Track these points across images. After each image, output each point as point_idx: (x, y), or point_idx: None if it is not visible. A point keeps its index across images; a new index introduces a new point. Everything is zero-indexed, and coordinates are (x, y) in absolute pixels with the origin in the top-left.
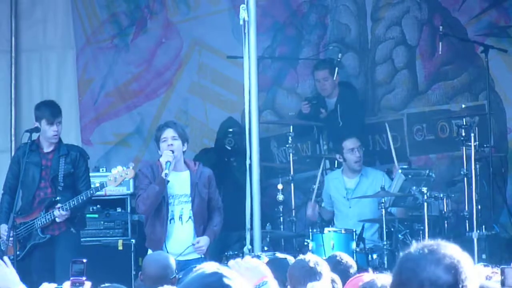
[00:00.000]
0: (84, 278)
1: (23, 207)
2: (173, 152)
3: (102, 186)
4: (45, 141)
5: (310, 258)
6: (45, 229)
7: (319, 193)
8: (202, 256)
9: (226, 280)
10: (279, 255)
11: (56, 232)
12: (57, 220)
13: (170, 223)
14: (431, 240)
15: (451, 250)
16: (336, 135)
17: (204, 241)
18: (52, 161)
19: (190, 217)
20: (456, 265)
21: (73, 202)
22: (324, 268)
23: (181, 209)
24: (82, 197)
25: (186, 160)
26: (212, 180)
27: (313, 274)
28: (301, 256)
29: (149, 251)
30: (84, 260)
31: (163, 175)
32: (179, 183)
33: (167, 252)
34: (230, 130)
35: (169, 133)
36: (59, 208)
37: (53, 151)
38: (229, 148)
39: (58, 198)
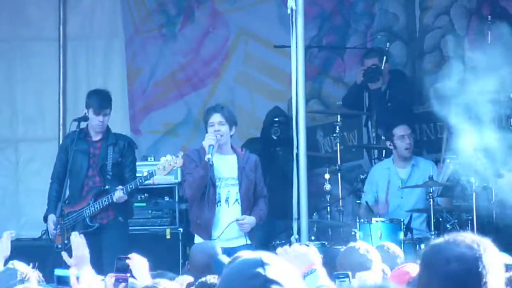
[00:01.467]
0: (128, 275)
1: (72, 196)
2: (221, 137)
3: (152, 174)
4: (93, 130)
5: (361, 245)
6: (93, 218)
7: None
8: (249, 243)
9: (270, 286)
10: None
11: (105, 221)
12: (116, 201)
13: (217, 206)
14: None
15: (472, 236)
16: (385, 121)
17: (249, 219)
18: (100, 150)
19: (236, 200)
20: (477, 242)
21: (131, 186)
22: (374, 256)
23: (228, 192)
24: (140, 180)
25: (233, 145)
26: (258, 166)
27: (363, 261)
28: (351, 244)
29: (196, 237)
30: (129, 257)
31: (206, 158)
32: (226, 166)
33: (213, 236)
34: (276, 119)
35: (216, 118)
36: (120, 189)
37: (101, 139)
38: (275, 137)
39: (107, 187)
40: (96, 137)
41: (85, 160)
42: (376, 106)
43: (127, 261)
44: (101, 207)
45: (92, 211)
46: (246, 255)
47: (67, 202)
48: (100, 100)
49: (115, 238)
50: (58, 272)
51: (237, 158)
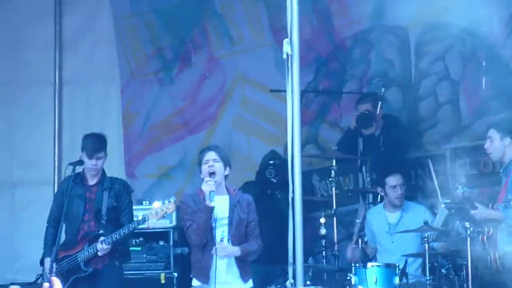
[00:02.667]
0: None
1: (67, 240)
2: (214, 174)
3: (144, 220)
4: (89, 173)
5: None
6: (88, 262)
7: (362, 228)
8: (246, 284)
9: None
10: None
11: (99, 266)
12: (99, 254)
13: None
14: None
15: None
16: (380, 166)
17: (231, 248)
18: (96, 194)
19: (228, 240)
20: None
21: (115, 236)
22: None
23: (222, 232)
24: (124, 231)
25: (226, 185)
26: (251, 206)
27: None
28: None
29: (193, 280)
30: None
31: (209, 204)
32: (219, 207)
33: (211, 279)
34: (272, 162)
35: (210, 155)
36: (102, 241)
37: (97, 184)
38: (272, 180)
39: (101, 231)
40: (92, 181)
41: (81, 204)
42: (370, 152)
43: None
44: (95, 251)
45: (86, 255)
46: None
47: (63, 246)
48: (93, 143)
49: (110, 283)
50: None
51: (229, 197)
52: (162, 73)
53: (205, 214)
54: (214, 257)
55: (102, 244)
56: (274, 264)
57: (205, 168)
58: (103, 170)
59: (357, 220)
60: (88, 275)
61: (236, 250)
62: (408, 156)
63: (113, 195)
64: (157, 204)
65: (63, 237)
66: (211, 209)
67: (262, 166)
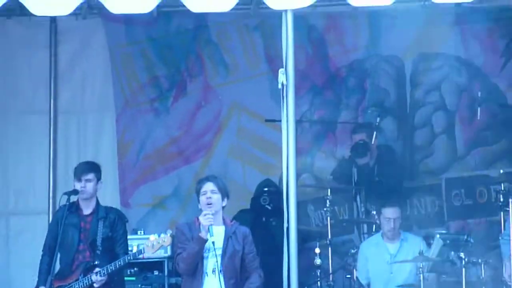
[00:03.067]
0: None
1: (62, 270)
2: (211, 204)
3: (140, 252)
4: (84, 203)
5: None
6: None
7: (355, 258)
8: None
9: None
10: None
11: None
12: (95, 285)
13: (204, 276)
14: None
15: None
16: (374, 196)
17: None
18: (91, 224)
19: (220, 271)
20: None
21: (111, 267)
22: None
23: (215, 262)
24: (119, 262)
25: (223, 216)
26: (247, 237)
27: None
28: None
29: None
30: None
31: (203, 236)
32: (214, 237)
33: None
34: (266, 189)
35: (208, 186)
36: (96, 273)
37: (92, 213)
38: (269, 208)
39: (96, 262)
40: (86, 211)
41: (76, 234)
42: (364, 181)
43: None
44: (90, 282)
45: (81, 286)
46: None
47: (57, 276)
48: (81, 166)
49: None
50: None
51: (225, 228)
52: (157, 102)
53: (198, 245)
54: (203, 286)
55: (97, 275)
56: None
57: (203, 199)
58: (97, 200)
59: (352, 251)
60: None
61: None
62: (403, 186)
63: (108, 225)
64: (153, 237)
65: (57, 266)
66: (205, 241)
67: (257, 193)
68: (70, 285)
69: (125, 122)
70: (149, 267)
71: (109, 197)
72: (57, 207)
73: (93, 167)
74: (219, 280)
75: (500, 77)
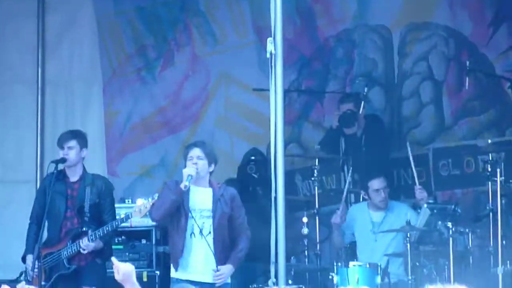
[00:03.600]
0: None
1: (50, 238)
2: (198, 168)
3: (127, 217)
4: (70, 170)
5: None
6: (71, 259)
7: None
8: (228, 281)
9: None
10: None
11: (82, 263)
12: (83, 251)
13: (190, 237)
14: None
15: None
16: (362, 166)
17: (226, 269)
18: (78, 191)
19: (210, 232)
20: None
21: (99, 233)
22: None
23: (202, 223)
24: (107, 228)
25: (210, 180)
26: (235, 199)
27: None
28: None
29: (171, 268)
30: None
31: (182, 186)
32: (201, 198)
33: (180, 266)
34: (252, 158)
35: (195, 152)
36: (85, 239)
37: (78, 180)
38: (256, 176)
39: (84, 228)
40: (73, 178)
41: (63, 201)
42: (352, 151)
43: None
44: (79, 248)
45: (70, 252)
46: None
47: (45, 243)
48: (63, 134)
49: (93, 280)
50: None
51: (212, 190)
52: (144, 72)
53: (175, 195)
54: (186, 246)
55: (86, 241)
56: (255, 261)
57: (189, 164)
58: (84, 167)
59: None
60: (71, 272)
61: (231, 268)
62: (390, 156)
63: (95, 192)
64: (140, 201)
65: (45, 235)
66: (182, 191)
67: (244, 162)
68: (59, 251)
69: (112, 92)
70: (137, 236)
71: (97, 166)
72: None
73: (75, 135)
74: (207, 242)
75: (488, 47)
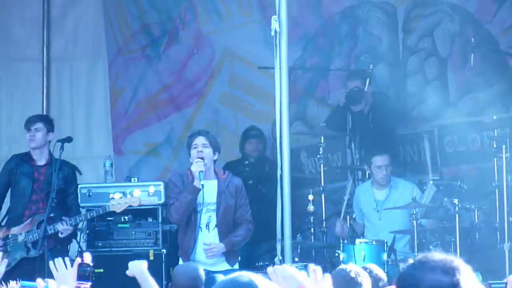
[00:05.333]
0: (89, 284)
1: (13, 218)
2: (203, 159)
3: (104, 209)
4: (36, 153)
5: (351, 268)
6: (35, 244)
7: (350, 204)
8: (233, 268)
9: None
10: None
11: (45, 249)
12: (61, 235)
13: (198, 231)
14: (443, 252)
15: (440, 255)
16: (368, 143)
17: (217, 247)
18: (45, 175)
19: (216, 226)
20: (451, 264)
21: (80, 218)
22: (365, 279)
23: (209, 217)
24: (86, 216)
25: (215, 169)
26: (240, 190)
27: (353, 284)
28: (342, 266)
29: (180, 260)
30: (91, 264)
31: (197, 184)
32: (207, 191)
33: (194, 260)
34: (252, 132)
35: (200, 140)
36: (64, 223)
37: (45, 165)
38: (252, 156)
39: (52, 214)
40: (40, 162)
41: (29, 184)
42: (359, 128)
43: None
44: (44, 234)
45: (35, 237)
46: (235, 276)
47: (7, 223)
48: (31, 117)
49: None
50: (25, 284)
51: (217, 182)
52: (149, 49)
53: (191, 194)
54: (197, 240)
55: (63, 224)
56: (258, 244)
57: (194, 152)
58: (50, 152)
59: (345, 197)
60: (34, 257)
61: (222, 247)
62: (396, 133)
63: (61, 177)
64: (117, 196)
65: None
66: (198, 190)
67: (242, 139)
68: (23, 234)
69: (117, 69)
70: (143, 214)
71: (102, 144)
72: (53, 155)
73: (42, 118)
74: (213, 235)
75: (492, 23)
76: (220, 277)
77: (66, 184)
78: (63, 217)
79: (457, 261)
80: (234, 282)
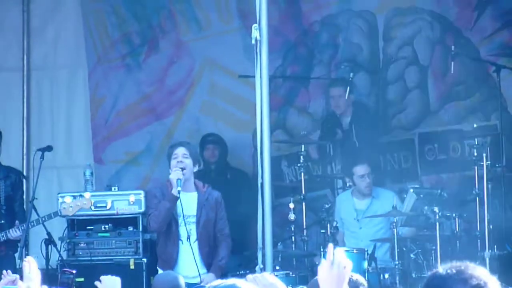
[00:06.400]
0: None
1: None
2: (182, 169)
3: (56, 214)
4: None
5: None
6: None
7: (331, 213)
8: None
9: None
10: None
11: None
12: (11, 238)
13: (179, 243)
14: (448, 260)
15: (478, 271)
16: (351, 155)
17: (209, 278)
18: None
19: (197, 239)
20: (483, 286)
21: (32, 224)
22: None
23: (189, 230)
24: (38, 221)
25: (195, 182)
26: (219, 204)
27: None
28: None
29: (160, 271)
30: (74, 272)
31: (174, 192)
32: (187, 204)
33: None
34: (210, 138)
35: (180, 150)
36: (15, 229)
37: None
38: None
39: (2, 221)
40: None
41: None
42: (342, 140)
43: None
44: (5, 238)
45: None
46: (220, 283)
47: None
48: None
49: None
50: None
51: (198, 194)
52: (129, 58)
53: (169, 202)
54: (179, 253)
55: (16, 230)
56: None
57: (173, 163)
58: None
59: (326, 206)
60: None
61: (213, 277)
62: (378, 142)
63: (9, 184)
64: (68, 199)
65: None
66: (176, 198)
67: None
68: None
69: (97, 78)
70: (124, 223)
71: (83, 153)
72: (31, 164)
73: None
74: (192, 249)
75: (473, 31)
76: None
77: (13, 191)
78: (16, 222)
79: (491, 284)
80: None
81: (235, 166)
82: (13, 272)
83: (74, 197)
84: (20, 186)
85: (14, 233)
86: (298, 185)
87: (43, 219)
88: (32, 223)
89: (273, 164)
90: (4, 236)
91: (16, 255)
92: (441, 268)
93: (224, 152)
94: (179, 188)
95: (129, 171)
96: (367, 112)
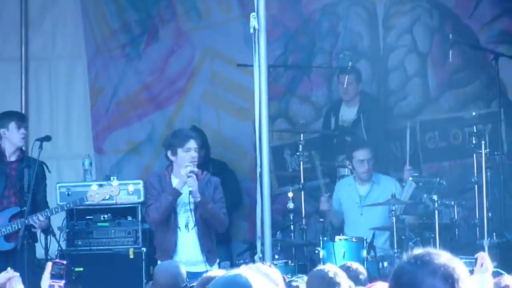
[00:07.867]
0: (63, 282)
1: None
2: (195, 162)
3: (82, 200)
4: (10, 149)
5: (329, 268)
6: (7, 237)
7: (330, 195)
8: (212, 268)
9: (245, 276)
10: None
11: (18, 242)
12: (35, 227)
13: (177, 231)
14: (427, 248)
15: (444, 258)
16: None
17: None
18: (16, 171)
19: (195, 225)
20: (452, 273)
21: (57, 210)
22: (343, 279)
23: (187, 217)
24: (62, 207)
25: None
26: (217, 186)
27: (332, 284)
28: (320, 266)
29: (159, 262)
30: (65, 262)
31: (179, 188)
32: (186, 192)
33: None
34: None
35: (192, 144)
36: (39, 215)
37: (17, 161)
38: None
39: (24, 208)
40: (11, 158)
41: (2, 179)
42: (352, 132)
43: None
44: (18, 228)
45: (9, 230)
46: (223, 273)
47: None
48: (19, 113)
49: (27, 260)
50: None
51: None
52: (129, 48)
53: (172, 196)
54: (177, 241)
55: (42, 217)
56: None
57: (186, 156)
58: (22, 148)
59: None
60: (7, 250)
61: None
62: (383, 131)
63: (32, 174)
64: (94, 187)
65: None
66: (179, 194)
67: None
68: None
69: (97, 68)
70: (122, 213)
71: (82, 143)
72: (30, 154)
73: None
74: (192, 235)
75: (472, 18)
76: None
77: (36, 180)
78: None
79: (459, 269)
80: (233, 282)
81: (215, 158)
82: (33, 262)
83: (101, 185)
84: (43, 178)
85: (41, 217)
86: (298, 174)
87: (68, 205)
88: (56, 209)
89: (276, 153)
90: (17, 225)
91: (37, 244)
92: (405, 261)
93: (205, 145)
94: (184, 191)
95: (130, 160)
96: (373, 102)
